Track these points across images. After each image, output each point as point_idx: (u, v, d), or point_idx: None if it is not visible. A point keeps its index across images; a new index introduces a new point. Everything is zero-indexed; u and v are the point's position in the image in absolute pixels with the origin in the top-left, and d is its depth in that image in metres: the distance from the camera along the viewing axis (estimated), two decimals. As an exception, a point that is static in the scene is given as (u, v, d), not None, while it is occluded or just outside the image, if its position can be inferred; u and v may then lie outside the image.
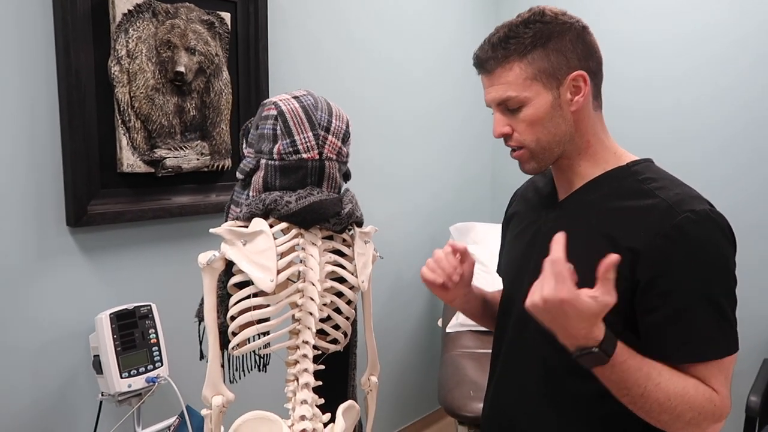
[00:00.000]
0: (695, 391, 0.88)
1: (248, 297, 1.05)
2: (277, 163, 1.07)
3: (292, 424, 1.06)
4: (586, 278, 0.83)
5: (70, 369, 1.68)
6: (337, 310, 1.14)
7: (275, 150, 1.08)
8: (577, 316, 0.81)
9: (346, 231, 1.14)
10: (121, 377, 1.55)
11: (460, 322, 2.29)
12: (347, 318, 1.15)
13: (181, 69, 1.78)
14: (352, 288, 1.14)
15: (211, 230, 1.07)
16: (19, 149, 1.54)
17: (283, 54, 2.15)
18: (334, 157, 1.10)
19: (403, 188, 2.73)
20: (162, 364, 1.63)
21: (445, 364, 2.12)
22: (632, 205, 0.95)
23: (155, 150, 1.78)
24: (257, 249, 1.04)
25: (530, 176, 1.17)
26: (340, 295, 1.14)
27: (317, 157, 1.08)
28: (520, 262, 1.10)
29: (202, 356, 1.22)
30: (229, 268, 1.09)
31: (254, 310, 1.05)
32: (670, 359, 0.90)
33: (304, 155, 1.07)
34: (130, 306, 1.62)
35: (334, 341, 1.16)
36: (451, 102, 2.96)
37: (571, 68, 0.95)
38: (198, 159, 1.87)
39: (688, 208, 0.90)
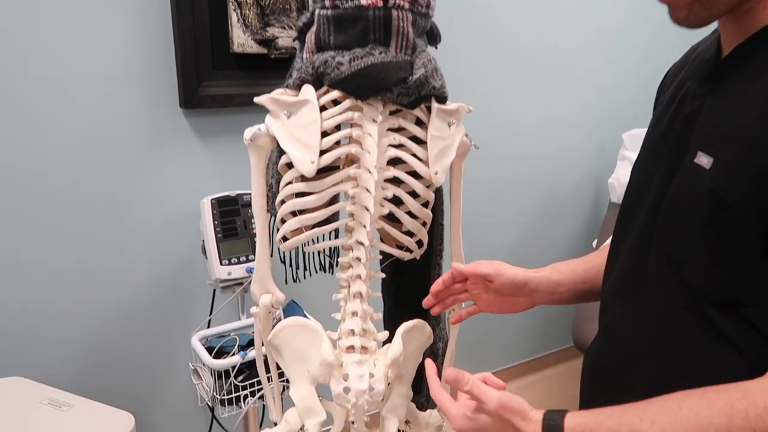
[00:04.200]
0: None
1: (291, 182, 0.87)
2: (330, 12, 0.83)
3: (339, 338, 0.89)
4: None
5: (186, 252, 1.69)
6: (409, 213, 0.91)
7: (328, -4, 0.84)
8: None
9: (421, 106, 0.88)
10: (221, 264, 1.51)
11: (615, 244, 1.91)
12: (421, 221, 0.92)
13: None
14: (425, 182, 0.89)
15: (255, 99, 0.88)
16: (131, 28, 1.49)
17: None
18: (406, 5, 0.83)
19: (565, 84, 2.30)
20: (263, 256, 1.56)
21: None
22: None
23: (268, 28, 1.63)
24: (300, 123, 0.84)
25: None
26: (411, 192, 0.90)
27: (380, 4, 0.81)
28: (645, 167, 0.76)
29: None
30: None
31: (296, 198, 0.86)
32: None
33: (363, 1, 0.81)
34: (233, 193, 1.55)
35: (405, 248, 0.94)
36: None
37: None
38: (314, 39, 1.69)
39: None
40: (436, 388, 0.74)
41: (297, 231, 0.88)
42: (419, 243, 0.94)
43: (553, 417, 0.65)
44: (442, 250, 1.04)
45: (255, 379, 1.48)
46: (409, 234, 0.93)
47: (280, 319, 0.98)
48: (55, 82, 1.42)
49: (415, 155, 0.86)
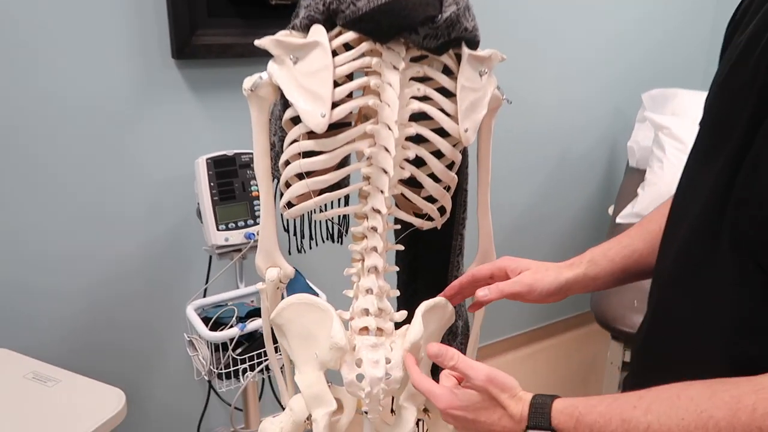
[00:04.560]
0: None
1: (297, 140, 0.75)
2: (343, -63, 0.70)
3: (351, 318, 0.78)
4: None
5: (180, 216, 1.58)
6: (431, 174, 0.79)
7: None
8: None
9: (449, 52, 0.75)
10: (218, 229, 1.40)
11: (636, 211, 1.81)
12: (444, 186, 0.80)
13: None
14: (452, 141, 0.77)
15: (257, 42, 0.75)
16: (110, -39, 1.34)
17: None
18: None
19: (579, 39, 2.15)
20: (263, 221, 1.45)
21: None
22: None
23: (268, -30, 1.48)
24: (309, 69, 0.71)
25: None
26: (435, 152, 0.78)
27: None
28: (714, 132, 0.64)
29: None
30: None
31: (303, 158, 0.74)
32: None
33: (384, -77, 0.68)
34: (230, 152, 1.43)
35: (426, 216, 0.83)
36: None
37: None
38: (318, -17, 1.54)
39: None
40: (417, 375, 0.70)
41: (304, 196, 0.77)
42: (441, 210, 0.83)
43: (542, 397, 0.62)
44: (465, 219, 0.92)
45: (254, 352, 1.39)
46: (431, 200, 0.81)
47: (283, 294, 0.87)
48: (32, 26, 1.28)
49: (442, 110, 0.74)
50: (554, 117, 2.17)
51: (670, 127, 1.85)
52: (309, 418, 0.79)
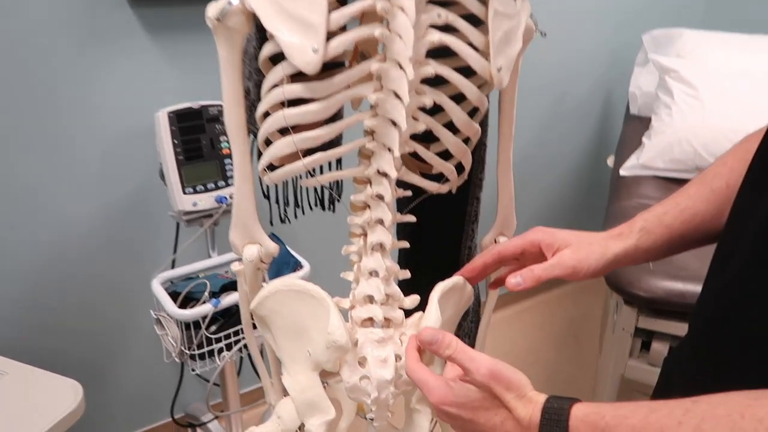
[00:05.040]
0: None
1: (279, 84, 0.57)
2: None
3: (352, 307, 0.63)
4: None
5: (141, 178, 1.39)
6: (449, 125, 0.63)
7: None
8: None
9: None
10: (185, 193, 1.22)
11: (642, 162, 1.68)
12: (464, 137, 0.64)
13: None
14: (477, 81, 0.61)
15: (222, -45, 0.57)
16: None
17: None
18: None
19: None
20: (236, 182, 1.27)
21: (614, 217, 1.57)
22: None
23: None
24: (294, -11, 0.54)
25: None
26: (456, 97, 0.61)
27: None
28: None
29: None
30: (263, 29, 0.61)
31: (288, 107, 0.57)
32: None
33: None
34: (195, 104, 1.24)
35: (440, 178, 0.67)
36: None
37: None
38: None
39: None
40: (412, 362, 0.57)
41: (289, 157, 0.60)
42: (459, 169, 0.67)
43: (557, 401, 0.49)
44: (483, 179, 0.77)
45: (231, 330, 1.24)
46: (445, 157, 0.65)
47: (265, 277, 0.72)
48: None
49: (469, 43, 0.57)
50: (547, 63, 2.00)
51: (678, 70, 1.71)
52: (301, 428, 0.65)
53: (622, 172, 1.74)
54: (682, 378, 0.68)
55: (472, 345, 1.00)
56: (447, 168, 0.65)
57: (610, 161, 1.97)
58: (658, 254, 0.67)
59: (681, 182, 1.69)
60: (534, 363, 2.08)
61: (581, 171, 2.33)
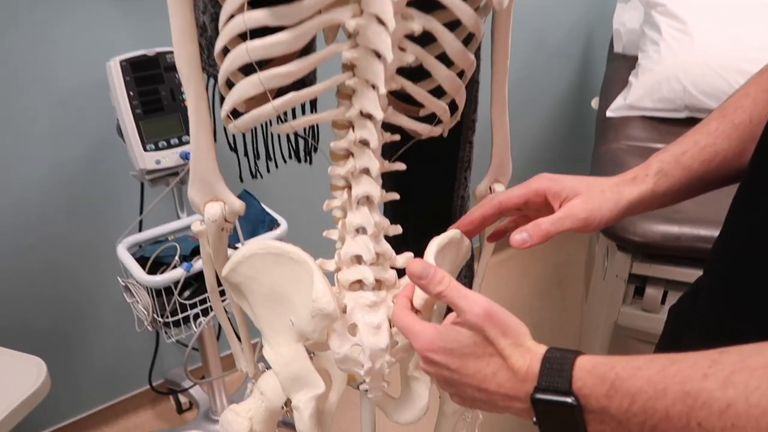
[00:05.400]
0: None
1: (239, 13, 0.48)
2: None
3: (338, 269, 0.56)
4: None
5: (98, 135, 1.28)
6: (441, 56, 0.54)
7: None
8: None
9: None
10: (146, 150, 1.12)
11: (630, 102, 1.61)
12: (458, 70, 0.56)
13: None
14: (474, 2, 0.52)
15: None
16: None
17: None
18: None
19: None
20: (202, 136, 1.17)
21: (601, 161, 1.51)
22: None
23: None
24: None
25: None
26: (449, 23, 0.53)
27: None
28: None
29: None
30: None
31: (251, 39, 0.48)
32: None
33: None
34: (151, 51, 1.12)
35: (431, 119, 0.59)
36: None
37: None
38: None
39: None
40: (399, 309, 0.51)
41: (256, 99, 0.52)
42: (452, 108, 0.59)
43: (560, 351, 0.43)
44: (475, 121, 0.69)
45: (206, 294, 1.16)
46: (437, 93, 0.57)
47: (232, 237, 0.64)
48: None
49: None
50: (523, 3, 1.89)
51: (665, 4, 1.62)
52: (287, 404, 0.59)
53: (609, 113, 1.67)
54: (695, 327, 0.63)
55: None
56: (439, 107, 0.57)
57: (595, 103, 1.90)
58: (675, 198, 0.61)
59: (670, 122, 1.65)
60: (519, 311, 2.04)
61: (564, 115, 2.26)
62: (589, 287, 1.75)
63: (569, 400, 0.40)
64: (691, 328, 0.64)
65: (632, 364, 0.39)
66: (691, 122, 1.59)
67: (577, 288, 2.17)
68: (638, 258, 1.21)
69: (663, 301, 1.24)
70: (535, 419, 0.43)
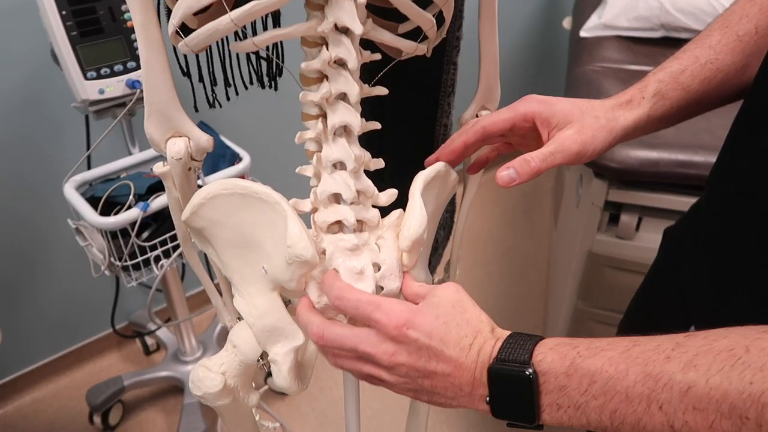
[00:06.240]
0: None
1: None
2: None
3: (315, 210, 0.50)
4: None
5: (33, 62, 1.15)
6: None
7: None
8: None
9: None
10: (86, 78, 1.01)
11: (603, 21, 1.54)
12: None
13: None
14: None
15: None
16: None
17: None
18: None
19: None
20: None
21: (576, 83, 1.45)
22: None
23: None
24: None
25: None
26: None
27: None
28: None
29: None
30: None
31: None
32: None
33: None
34: (84, -38, 0.99)
35: (413, 35, 0.52)
36: None
37: None
38: None
39: None
40: (302, 307, 0.49)
41: (209, 12, 0.43)
42: (439, 21, 0.51)
43: (526, 334, 0.42)
44: (460, 39, 0.62)
45: (167, 235, 1.09)
46: (422, 4, 0.49)
47: (199, 176, 0.56)
48: None
49: None
50: None
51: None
52: (263, 356, 0.54)
53: (583, 33, 1.60)
54: (691, 249, 0.60)
55: (447, 237, 0.90)
56: (425, 19, 0.49)
57: (567, 23, 1.83)
58: (669, 123, 0.56)
59: (645, 42, 1.59)
60: (489, 239, 2.05)
61: (534, 37, 2.18)
62: (559, 215, 1.73)
63: (527, 372, 0.38)
64: (687, 248, 0.61)
65: (595, 344, 0.38)
66: (666, 42, 1.55)
67: (544, 216, 2.16)
68: (614, 185, 1.18)
69: (637, 228, 1.23)
70: (488, 398, 0.40)
